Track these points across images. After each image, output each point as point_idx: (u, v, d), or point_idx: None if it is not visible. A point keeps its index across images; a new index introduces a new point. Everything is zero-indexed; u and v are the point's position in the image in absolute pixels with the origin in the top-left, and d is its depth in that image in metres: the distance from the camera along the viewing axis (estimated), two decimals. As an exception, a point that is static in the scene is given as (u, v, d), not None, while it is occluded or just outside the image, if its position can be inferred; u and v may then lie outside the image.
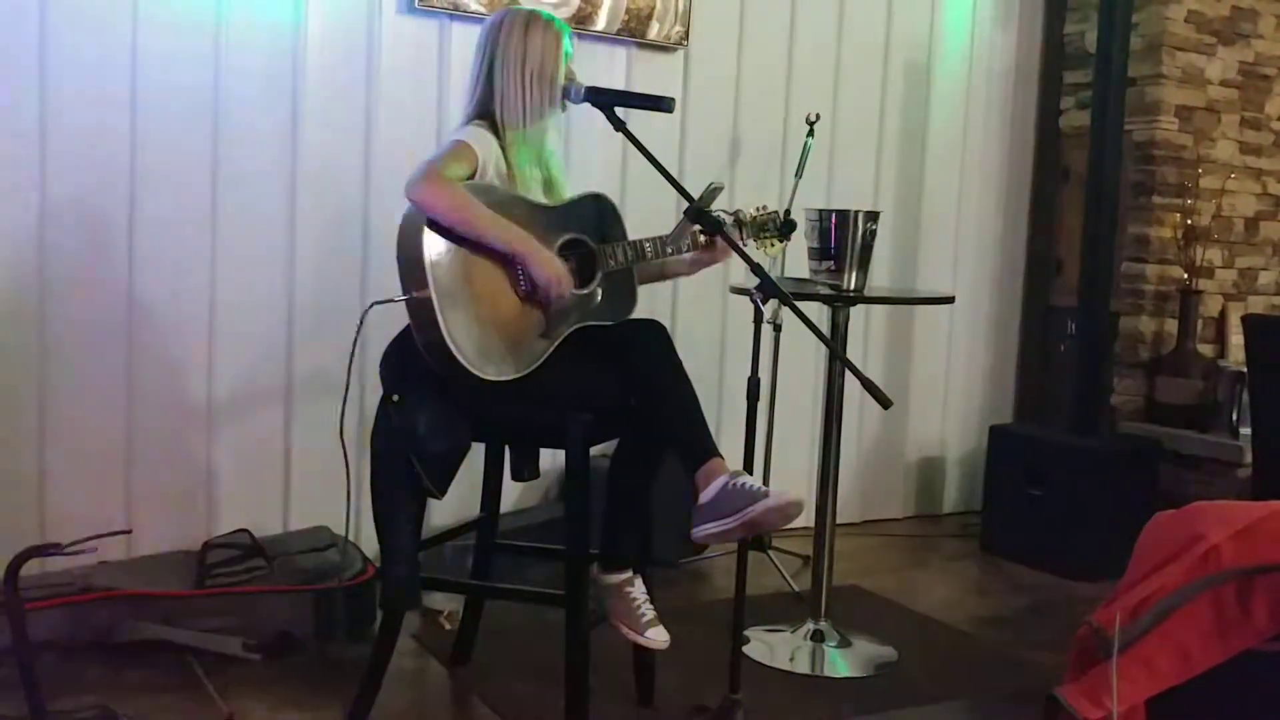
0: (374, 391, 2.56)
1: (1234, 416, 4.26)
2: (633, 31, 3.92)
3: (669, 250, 2.60)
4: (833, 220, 3.06)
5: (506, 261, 2.40)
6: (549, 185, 2.62)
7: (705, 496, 2.32)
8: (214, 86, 3.30)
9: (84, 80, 3.13)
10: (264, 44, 3.36)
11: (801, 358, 4.22)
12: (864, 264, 3.09)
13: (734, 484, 2.30)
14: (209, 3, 3.27)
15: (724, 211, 2.59)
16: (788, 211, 3.64)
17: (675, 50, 4.06)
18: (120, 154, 3.20)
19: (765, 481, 3.75)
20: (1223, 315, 4.70)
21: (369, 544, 3.02)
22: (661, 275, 2.79)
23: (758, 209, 2.76)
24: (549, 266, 2.39)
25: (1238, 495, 3.97)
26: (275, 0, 3.37)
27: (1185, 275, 4.51)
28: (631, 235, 2.62)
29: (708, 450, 2.36)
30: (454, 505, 3.27)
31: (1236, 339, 4.58)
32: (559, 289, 2.40)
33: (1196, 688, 2.21)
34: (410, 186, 2.33)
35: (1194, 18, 4.52)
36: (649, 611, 2.55)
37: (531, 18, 2.54)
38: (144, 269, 3.25)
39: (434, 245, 2.31)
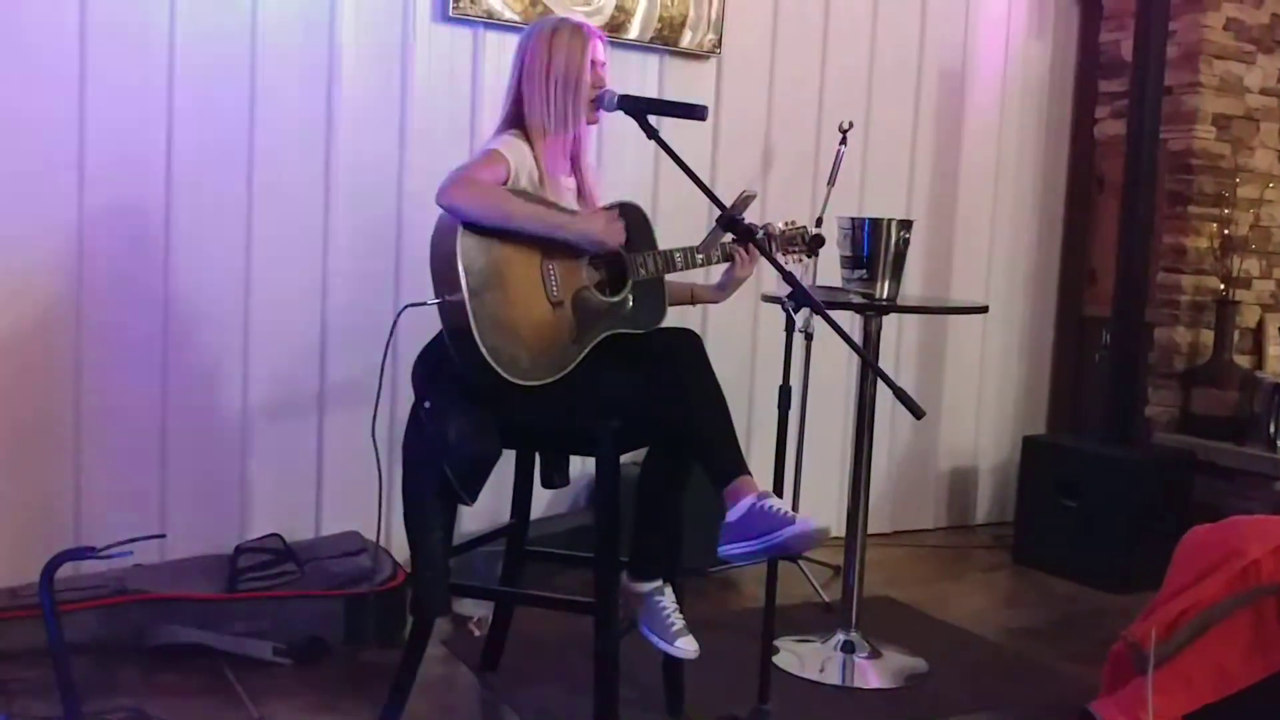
0: (406, 397, 2.57)
1: (1271, 429, 4.21)
2: (665, 40, 3.92)
3: (699, 260, 2.60)
4: (865, 229, 3.04)
5: (540, 265, 2.41)
6: (582, 193, 2.62)
7: (732, 516, 2.31)
8: (250, 93, 3.33)
9: (122, 89, 3.16)
10: (298, 51, 3.39)
11: (833, 366, 4.20)
12: (897, 273, 3.08)
13: (761, 506, 2.29)
14: (245, 11, 3.30)
15: (753, 224, 2.58)
16: (820, 220, 3.66)
17: (708, 58, 4.06)
18: (157, 162, 3.23)
19: (796, 495, 3.79)
20: (1260, 326, 4.64)
21: (400, 549, 3.02)
22: (692, 300, 2.79)
23: (786, 223, 2.76)
24: (592, 234, 2.42)
25: (1275, 509, 3.92)
26: (310, 8, 3.40)
27: (1222, 286, 4.47)
28: (663, 243, 2.63)
29: (737, 467, 2.36)
30: (484, 512, 3.27)
31: (1274, 350, 4.53)
32: (613, 238, 2.44)
33: (1235, 705, 2.19)
34: (440, 193, 2.34)
35: (1233, 25, 4.48)
36: (678, 620, 2.55)
37: (559, 24, 2.55)
38: (180, 275, 3.28)
39: (467, 250, 2.31)
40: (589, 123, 2.57)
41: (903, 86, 4.48)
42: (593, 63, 2.52)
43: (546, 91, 2.50)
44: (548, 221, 2.40)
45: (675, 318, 2.64)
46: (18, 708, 2.58)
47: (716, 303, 2.83)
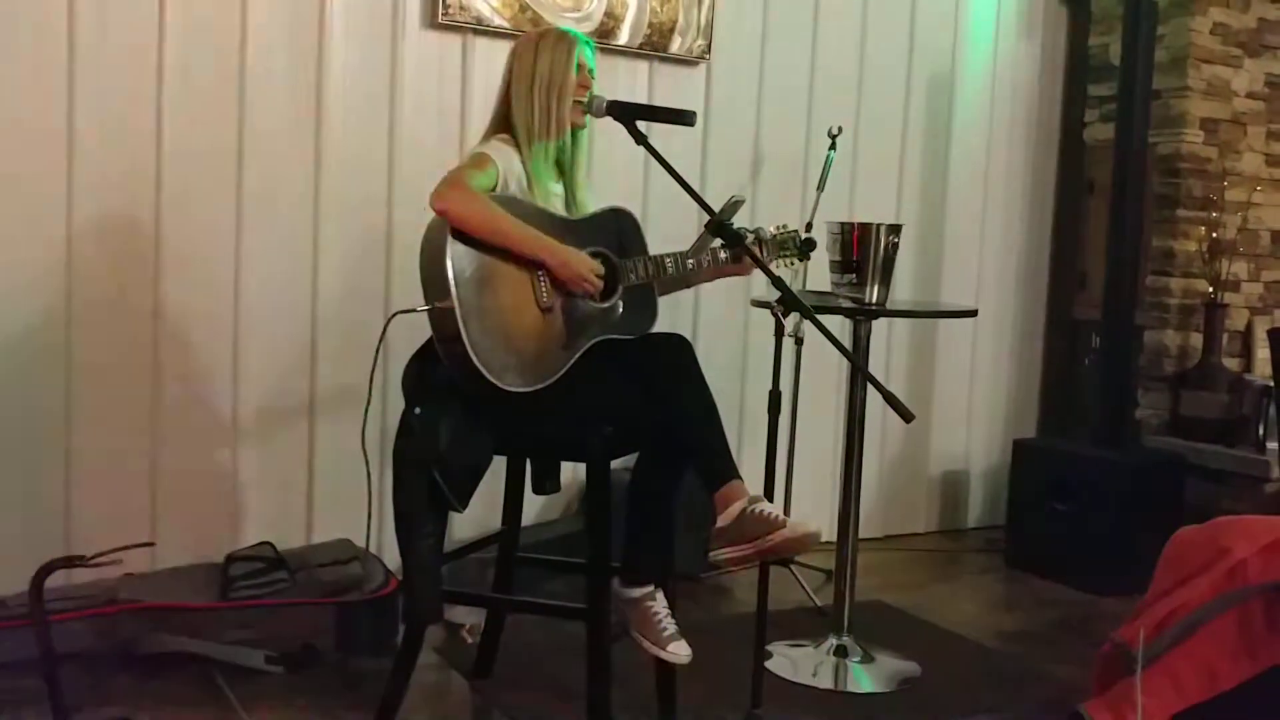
0: (396, 405, 2.57)
1: (1260, 430, 4.22)
2: (655, 46, 3.93)
3: (689, 265, 2.60)
4: (855, 233, 3.05)
5: (529, 271, 2.41)
6: (572, 199, 2.63)
7: (723, 520, 2.32)
8: (238, 102, 3.32)
9: (110, 100, 3.15)
10: (288, 59, 3.39)
11: (823, 371, 4.20)
12: (886, 277, 3.08)
13: (752, 510, 2.30)
14: (234, 19, 3.30)
15: (744, 229, 2.59)
16: (809, 225, 3.66)
17: (697, 64, 4.06)
18: (146, 170, 3.22)
19: (787, 499, 3.79)
20: (1249, 329, 4.66)
21: (391, 557, 3.02)
22: (685, 283, 2.80)
23: (777, 228, 2.77)
24: (572, 266, 2.42)
25: (1265, 510, 3.93)
26: (299, 15, 3.39)
27: (1210, 288, 4.48)
28: (653, 248, 2.63)
29: (728, 472, 2.36)
30: (475, 518, 3.27)
31: (1263, 353, 4.54)
32: (588, 284, 2.43)
33: (1223, 705, 2.19)
34: (435, 196, 2.35)
35: (1220, 30, 4.50)
36: (670, 625, 2.55)
37: (546, 33, 2.59)
38: (169, 284, 3.27)
39: (457, 256, 2.32)
40: (576, 126, 2.58)
41: (892, 91, 4.49)
42: (578, 67, 2.54)
43: (531, 96, 2.52)
44: (535, 243, 2.40)
45: (667, 313, 2.64)
46: (8, 718, 2.58)
47: (710, 281, 2.84)
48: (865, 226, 3.05)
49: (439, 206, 2.35)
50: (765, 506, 2.30)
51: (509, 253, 2.39)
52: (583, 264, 2.44)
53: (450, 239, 2.32)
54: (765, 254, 2.70)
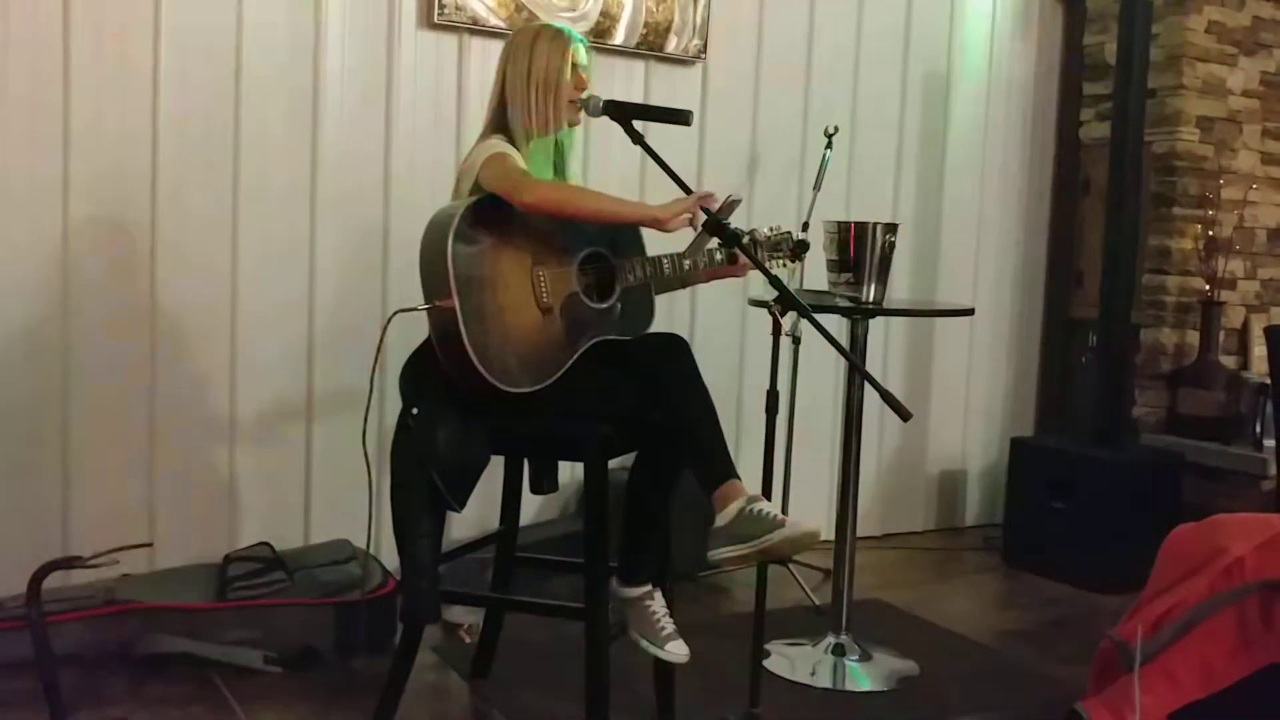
0: (394, 405, 2.57)
1: (1257, 428, 4.23)
2: (651, 45, 3.93)
3: (685, 265, 2.60)
4: (851, 232, 3.05)
5: (529, 272, 2.41)
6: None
7: (722, 520, 2.32)
8: (235, 101, 3.33)
9: (106, 95, 3.15)
10: (284, 58, 3.39)
11: (821, 370, 4.21)
12: (883, 276, 3.08)
13: (751, 509, 2.30)
14: (230, 17, 3.30)
15: (738, 230, 2.59)
16: (806, 225, 3.67)
17: (693, 64, 4.07)
18: (142, 169, 3.22)
19: (785, 499, 3.79)
20: (1245, 327, 4.67)
21: (390, 557, 3.02)
22: (682, 284, 2.80)
23: (771, 229, 2.76)
24: (675, 208, 2.43)
25: (1261, 508, 3.94)
26: (295, 15, 3.40)
27: (1207, 287, 4.49)
28: (649, 249, 2.63)
29: (726, 471, 2.36)
30: (473, 518, 3.28)
31: (1260, 351, 4.55)
32: (694, 205, 2.44)
33: (1220, 702, 2.20)
34: (516, 191, 2.36)
35: (1215, 28, 4.51)
36: (669, 625, 2.55)
37: (541, 30, 2.57)
38: (166, 283, 3.27)
39: (458, 255, 2.32)
40: (570, 124, 2.58)
41: (888, 90, 4.49)
42: (573, 67, 2.53)
43: (528, 96, 2.51)
44: (639, 210, 2.49)
45: (664, 313, 2.63)
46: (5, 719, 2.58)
47: (706, 282, 2.84)
48: (862, 225, 3.05)
49: (529, 200, 2.36)
50: (764, 505, 2.30)
51: (510, 252, 2.40)
52: (676, 204, 2.44)
53: (451, 237, 2.32)
54: (759, 255, 2.70)
